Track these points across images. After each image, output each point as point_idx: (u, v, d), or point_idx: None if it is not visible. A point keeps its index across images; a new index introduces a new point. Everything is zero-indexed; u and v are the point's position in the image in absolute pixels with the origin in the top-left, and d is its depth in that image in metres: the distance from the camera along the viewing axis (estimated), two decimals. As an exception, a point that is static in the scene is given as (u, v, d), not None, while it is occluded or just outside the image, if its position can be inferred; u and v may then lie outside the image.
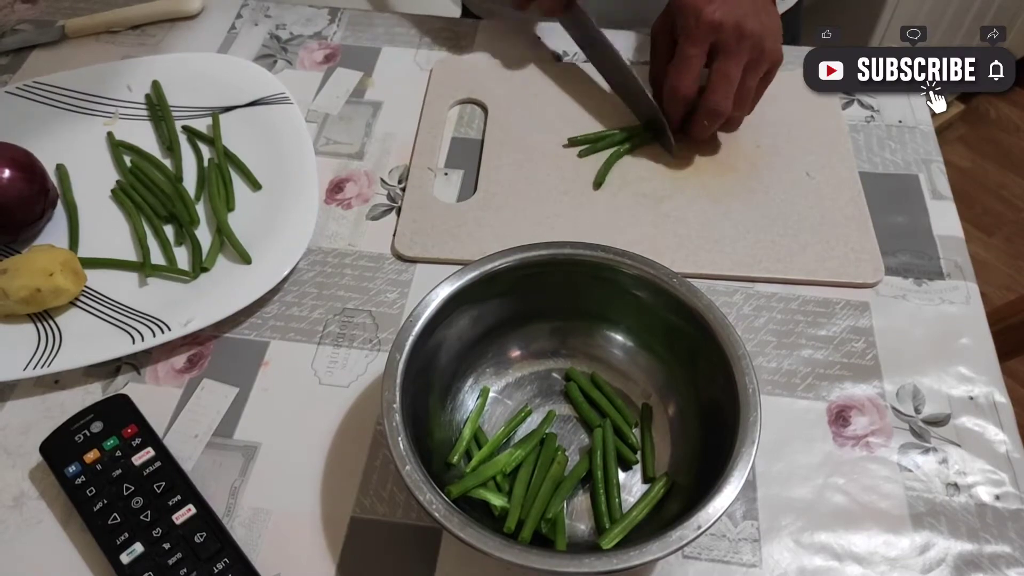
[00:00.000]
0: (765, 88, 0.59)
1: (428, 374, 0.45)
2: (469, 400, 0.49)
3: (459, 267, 0.46)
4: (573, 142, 0.63)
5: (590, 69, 0.69)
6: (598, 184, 0.60)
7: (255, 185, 0.60)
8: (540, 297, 0.49)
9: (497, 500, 0.43)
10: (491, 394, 0.49)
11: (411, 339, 0.43)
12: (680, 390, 0.48)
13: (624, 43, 0.72)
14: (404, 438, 0.39)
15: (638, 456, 0.47)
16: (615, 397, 0.49)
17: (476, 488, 0.43)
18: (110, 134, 0.63)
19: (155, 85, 0.66)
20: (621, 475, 0.46)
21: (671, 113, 0.60)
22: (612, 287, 0.48)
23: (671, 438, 0.47)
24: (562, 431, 0.48)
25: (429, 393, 0.46)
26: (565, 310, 0.50)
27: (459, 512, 0.37)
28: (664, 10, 0.60)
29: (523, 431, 0.48)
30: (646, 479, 0.46)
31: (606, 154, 0.62)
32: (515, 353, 0.51)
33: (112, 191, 0.60)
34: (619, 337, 0.50)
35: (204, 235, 0.57)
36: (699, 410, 0.46)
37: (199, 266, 0.55)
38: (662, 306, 0.46)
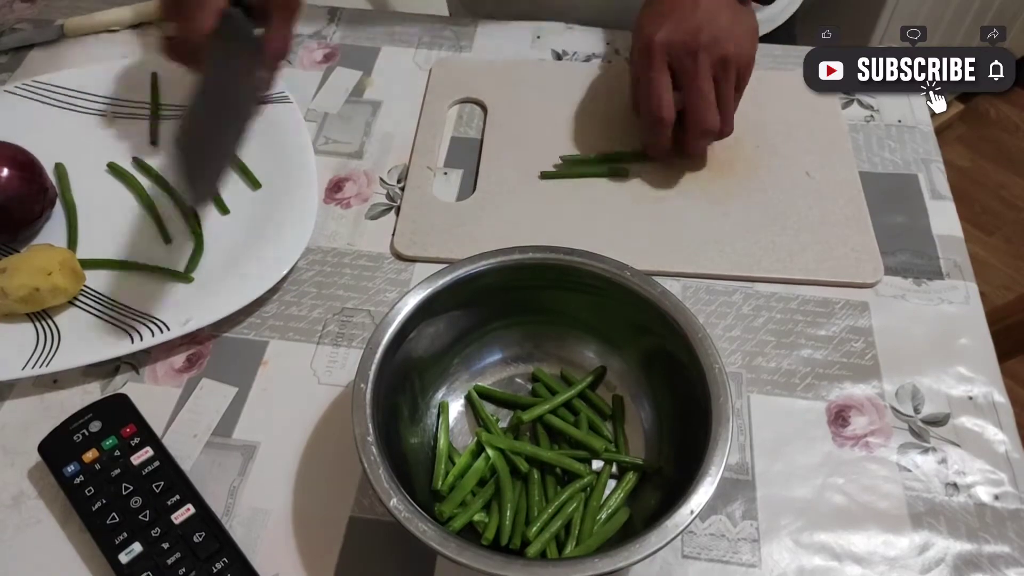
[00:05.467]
0: (740, 94, 0.58)
1: (397, 395, 0.45)
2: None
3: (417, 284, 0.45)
4: (548, 175, 0.61)
5: (589, 68, 0.69)
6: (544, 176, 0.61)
7: (255, 184, 0.60)
8: (503, 304, 0.49)
9: (480, 517, 0.43)
10: (461, 401, 0.49)
11: (374, 367, 0.42)
12: (652, 384, 0.48)
13: (625, 43, 0.72)
14: (384, 470, 0.38)
15: (612, 447, 0.47)
16: (588, 393, 0.49)
17: (465, 515, 0.43)
18: (112, 164, 0.62)
19: (153, 79, 0.66)
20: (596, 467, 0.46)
21: (658, 139, 0.58)
22: (568, 287, 0.48)
23: (645, 432, 0.48)
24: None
25: (400, 409, 0.45)
26: (530, 314, 0.50)
27: (454, 537, 0.37)
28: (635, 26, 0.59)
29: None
30: (621, 471, 0.46)
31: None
32: (487, 360, 0.51)
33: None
34: (587, 337, 0.50)
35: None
36: (672, 402, 0.46)
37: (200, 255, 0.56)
38: (620, 300, 0.46)
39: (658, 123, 0.56)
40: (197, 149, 0.50)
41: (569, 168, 0.61)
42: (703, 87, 0.55)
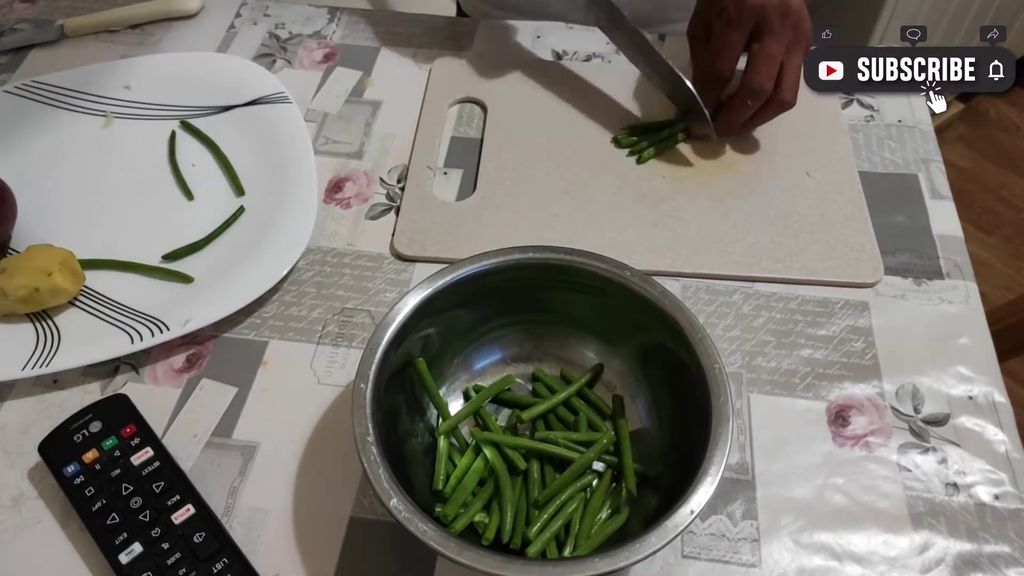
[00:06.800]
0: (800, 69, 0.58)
1: (397, 395, 0.45)
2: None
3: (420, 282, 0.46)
4: (620, 143, 0.63)
5: (590, 68, 0.69)
6: (640, 160, 0.62)
7: (239, 191, 0.60)
8: (503, 304, 0.49)
9: (481, 517, 0.43)
10: (460, 401, 0.49)
11: (374, 367, 0.42)
12: (652, 384, 0.48)
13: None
14: (384, 470, 0.38)
15: (612, 447, 0.46)
16: (587, 392, 0.49)
17: (466, 516, 0.43)
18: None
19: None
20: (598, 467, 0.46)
21: (707, 98, 0.60)
22: (568, 287, 0.48)
23: (645, 432, 0.47)
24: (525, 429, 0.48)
25: (400, 409, 0.45)
26: (530, 314, 0.50)
27: (454, 537, 0.37)
28: (696, 9, 0.60)
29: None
30: (621, 471, 0.46)
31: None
32: (487, 360, 0.51)
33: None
34: (587, 337, 0.50)
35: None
36: (672, 402, 0.46)
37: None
38: (620, 300, 0.46)
39: (718, 84, 0.58)
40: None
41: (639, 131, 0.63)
42: (775, 52, 0.55)
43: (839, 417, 0.49)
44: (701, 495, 0.38)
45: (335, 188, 0.62)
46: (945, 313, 0.54)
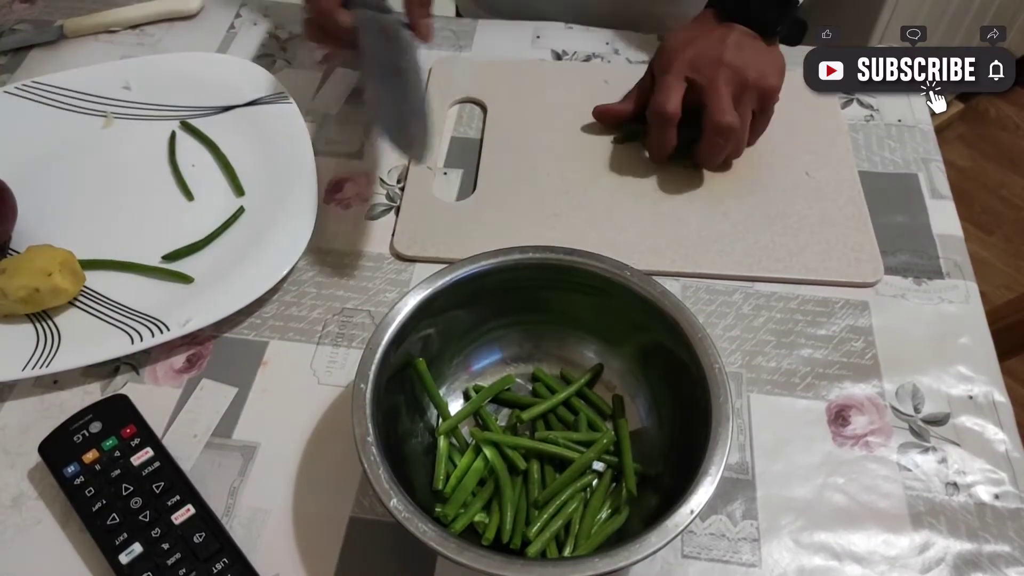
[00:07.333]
0: (765, 123, 0.60)
1: (397, 395, 0.45)
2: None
3: (419, 283, 0.46)
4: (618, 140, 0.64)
5: (589, 68, 0.69)
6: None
7: (239, 191, 0.60)
8: (503, 304, 0.49)
9: (481, 517, 0.43)
10: (460, 401, 0.49)
11: (374, 367, 0.42)
12: (652, 384, 0.48)
13: (625, 43, 0.72)
14: (384, 470, 0.38)
15: (612, 447, 0.46)
16: (587, 392, 0.49)
17: (465, 516, 0.43)
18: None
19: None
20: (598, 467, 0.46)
21: (663, 137, 0.58)
22: (568, 287, 0.48)
23: (645, 432, 0.47)
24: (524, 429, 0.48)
25: (400, 409, 0.45)
26: (530, 314, 0.50)
27: (454, 537, 0.37)
28: (687, 58, 0.60)
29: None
30: (621, 471, 0.46)
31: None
32: (487, 360, 0.51)
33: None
34: (587, 337, 0.50)
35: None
36: (672, 402, 0.46)
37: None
38: (620, 300, 0.46)
39: (663, 117, 0.57)
40: (394, 115, 0.55)
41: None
42: (720, 89, 0.56)
43: (839, 417, 0.49)
44: (701, 495, 0.38)
45: (335, 188, 0.62)
46: (945, 313, 0.54)
